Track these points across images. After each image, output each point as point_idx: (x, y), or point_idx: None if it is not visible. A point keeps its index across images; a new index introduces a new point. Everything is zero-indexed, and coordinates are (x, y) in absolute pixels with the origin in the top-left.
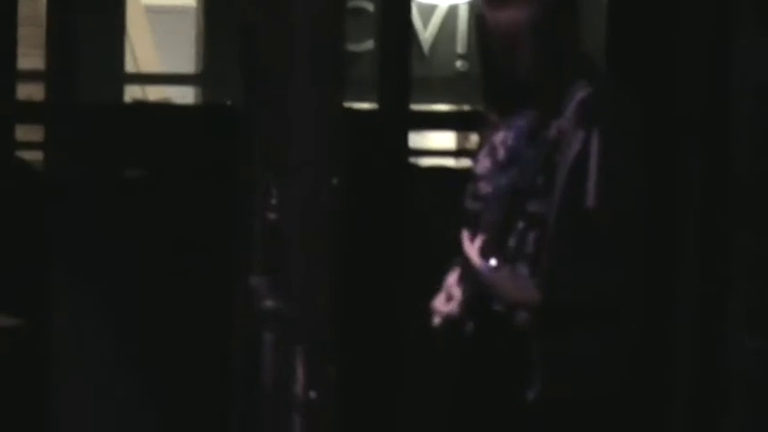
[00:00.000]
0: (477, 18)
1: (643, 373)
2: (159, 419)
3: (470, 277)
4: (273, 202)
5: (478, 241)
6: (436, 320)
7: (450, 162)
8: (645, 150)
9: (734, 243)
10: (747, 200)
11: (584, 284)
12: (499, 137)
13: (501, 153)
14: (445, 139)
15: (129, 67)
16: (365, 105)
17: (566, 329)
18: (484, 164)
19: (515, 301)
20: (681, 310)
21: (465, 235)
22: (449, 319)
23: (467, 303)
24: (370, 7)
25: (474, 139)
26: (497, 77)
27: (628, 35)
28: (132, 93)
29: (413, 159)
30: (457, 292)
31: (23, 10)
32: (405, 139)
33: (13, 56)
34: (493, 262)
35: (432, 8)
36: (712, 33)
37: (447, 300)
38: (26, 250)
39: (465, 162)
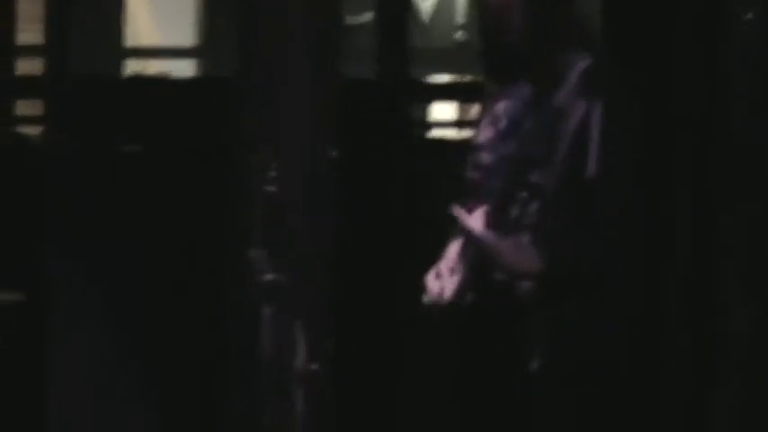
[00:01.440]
0: None
1: (640, 345)
2: (157, 394)
3: (473, 247)
4: (272, 175)
5: (481, 210)
6: (427, 298)
7: (451, 133)
8: (641, 120)
9: (729, 213)
10: (742, 169)
11: (586, 253)
12: (500, 106)
13: (502, 123)
14: (447, 109)
15: (128, 40)
16: (365, 77)
17: (568, 299)
18: (485, 133)
19: (518, 271)
20: (674, 281)
21: (463, 206)
22: (443, 299)
23: (468, 276)
24: None
25: (475, 109)
26: (498, 48)
27: (623, 20)
28: (131, 66)
29: (414, 130)
30: (451, 268)
31: None
32: (405, 110)
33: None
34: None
35: None
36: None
37: (439, 276)
38: (25, 224)
39: (466, 133)
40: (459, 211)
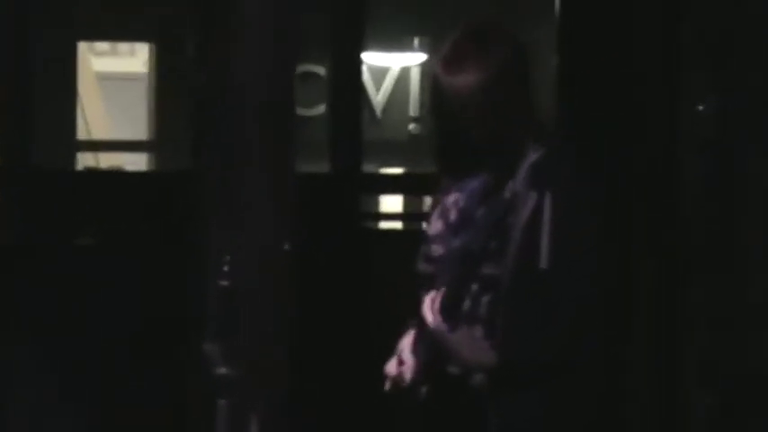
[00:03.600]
0: (431, 81)
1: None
2: None
3: (426, 339)
4: (226, 268)
5: (434, 303)
6: (387, 385)
7: (399, 225)
8: (598, 211)
9: (687, 299)
10: (699, 256)
11: (539, 345)
12: (451, 198)
13: (453, 215)
14: (395, 201)
15: (82, 133)
16: (318, 169)
17: (522, 389)
18: (436, 226)
19: (471, 363)
20: (636, 366)
21: (422, 297)
22: (400, 384)
23: (423, 365)
24: (322, 71)
25: (426, 201)
26: (450, 139)
27: (578, 97)
28: (84, 160)
29: (365, 222)
30: (409, 357)
31: None
32: (357, 202)
33: None
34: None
35: (384, 71)
36: (662, 94)
37: (399, 364)
38: None
39: (416, 225)
40: (423, 301)
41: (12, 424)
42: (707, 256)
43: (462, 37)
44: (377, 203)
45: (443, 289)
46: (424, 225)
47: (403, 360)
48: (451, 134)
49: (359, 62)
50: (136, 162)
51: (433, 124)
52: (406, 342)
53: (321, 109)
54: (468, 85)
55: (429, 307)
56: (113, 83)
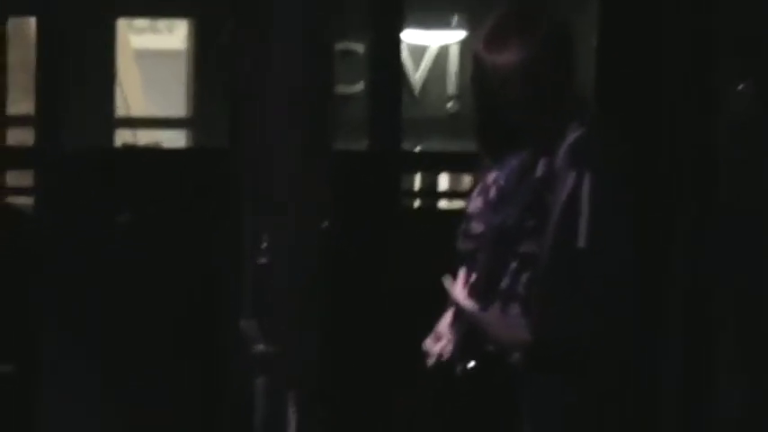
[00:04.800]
0: (473, 59)
1: (631, 414)
2: None
3: (461, 318)
4: (263, 246)
5: (469, 280)
6: (429, 361)
7: (443, 203)
8: (635, 191)
9: (719, 287)
10: (734, 237)
11: (575, 325)
12: (491, 176)
13: (493, 193)
14: (439, 179)
15: (120, 111)
16: (356, 147)
17: (556, 369)
18: (476, 203)
19: (505, 342)
20: (669, 351)
21: (453, 278)
22: (440, 361)
23: (460, 345)
24: (360, 49)
25: (467, 179)
26: (491, 118)
27: (616, 77)
28: (123, 137)
29: (404, 201)
30: (447, 335)
31: (13, 55)
32: (397, 181)
33: (3, 101)
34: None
35: (422, 49)
36: (695, 75)
37: (437, 341)
38: (18, 295)
39: (458, 203)
40: (447, 282)
41: (51, 388)
42: (744, 238)
43: (505, 15)
44: (416, 181)
45: (482, 267)
46: (465, 203)
47: (441, 338)
48: (492, 112)
49: (398, 40)
50: (174, 139)
51: (474, 102)
52: (445, 320)
53: (360, 87)
54: (509, 63)
55: (461, 286)
56: (152, 60)
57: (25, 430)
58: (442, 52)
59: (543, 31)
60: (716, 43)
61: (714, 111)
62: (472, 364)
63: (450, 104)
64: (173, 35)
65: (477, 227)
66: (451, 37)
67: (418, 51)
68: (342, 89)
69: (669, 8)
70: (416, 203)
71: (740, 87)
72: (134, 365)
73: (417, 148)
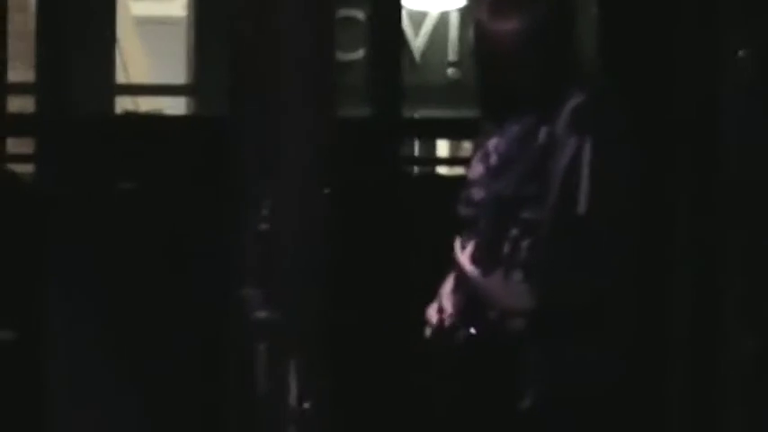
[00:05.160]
0: (474, 26)
1: (639, 376)
2: (152, 428)
3: (464, 285)
4: (265, 213)
5: (471, 247)
6: (428, 330)
7: (443, 169)
8: (637, 155)
9: (726, 244)
10: (737, 201)
11: (577, 288)
12: (492, 143)
13: (493, 159)
14: (439, 146)
15: (120, 78)
16: (357, 113)
17: (559, 333)
18: (477, 169)
19: (508, 307)
20: (676, 311)
21: (457, 242)
22: (441, 329)
23: (462, 311)
24: (361, 16)
25: (467, 146)
26: (492, 84)
27: (619, 41)
28: (123, 104)
29: (405, 166)
30: (448, 303)
31: (13, 24)
32: (397, 148)
33: (3, 69)
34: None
35: (422, 15)
36: (701, 38)
37: (440, 310)
38: (19, 263)
39: (459, 169)
40: (456, 249)
41: (64, 359)
42: (748, 200)
43: None
44: (417, 147)
45: (483, 233)
46: (466, 169)
47: (442, 305)
48: (494, 79)
49: (398, 6)
50: (175, 106)
51: (476, 69)
52: (447, 287)
53: (360, 53)
54: (512, 29)
55: (466, 252)
56: (152, 27)
57: (30, 397)
58: (443, 18)
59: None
60: (719, 13)
61: (717, 80)
62: (473, 330)
63: (450, 71)
64: (173, 2)
65: (477, 193)
66: (452, 3)
67: (418, 17)
68: (342, 55)
69: None
70: (417, 169)
71: (740, 54)
72: (135, 332)
73: (416, 115)
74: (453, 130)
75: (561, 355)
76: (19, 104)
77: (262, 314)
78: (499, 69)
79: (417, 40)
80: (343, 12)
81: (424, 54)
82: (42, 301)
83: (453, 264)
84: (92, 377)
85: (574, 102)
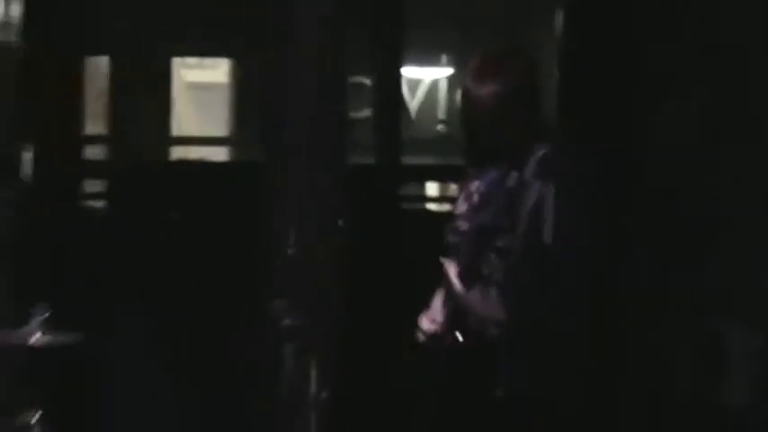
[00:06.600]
0: (462, 91)
1: (594, 380)
2: (194, 419)
3: (451, 298)
4: (291, 239)
5: (456, 269)
6: (420, 336)
7: (433, 206)
8: (594, 196)
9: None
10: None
11: (543, 306)
12: (474, 185)
13: (475, 198)
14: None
15: (175, 131)
16: (364, 161)
17: (528, 342)
18: (462, 207)
19: (482, 317)
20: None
21: (446, 263)
22: (431, 336)
23: (449, 320)
24: (367, 82)
25: (453, 187)
26: (475, 138)
27: (576, 103)
28: (177, 152)
29: (402, 204)
30: (438, 312)
31: (89, 87)
32: (397, 188)
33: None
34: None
35: (417, 82)
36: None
37: (430, 319)
38: (92, 275)
39: (446, 206)
40: (446, 263)
41: (118, 354)
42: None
43: (487, 56)
44: (412, 188)
45: (466, 257)
46: (453, 206)
47: (433, 314)
48: (476, 134)
49: (398, 74)
50: (218, 154)
51: (462, 126)
52: (437, 299)
53: (367, 112)
54: (490, 95)
55: (451, 271)
56: (200, 90)
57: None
58: (434, 85)
59: (517, 69)
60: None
61: (654, 141)
62: (459, 336)
63: (439, 127)
64: (217, 70)
65: (462, 225)
66: (441, 72)
67: (414, 83)
68: (353, 114)
69: (626, 44)
70: (412, 206)
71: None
72: (186, 335)
73: (412, 162)
74: (442, 175)
75: (527, 358)
76: (91, 152)
77: (288, 321)
78: (480, 126)
79: (413, 102)
80: (353, 79)
81: (418, 113)
82: (109, 309)
83: (443, 280)
84: (147, 372)
85: (539, 153)
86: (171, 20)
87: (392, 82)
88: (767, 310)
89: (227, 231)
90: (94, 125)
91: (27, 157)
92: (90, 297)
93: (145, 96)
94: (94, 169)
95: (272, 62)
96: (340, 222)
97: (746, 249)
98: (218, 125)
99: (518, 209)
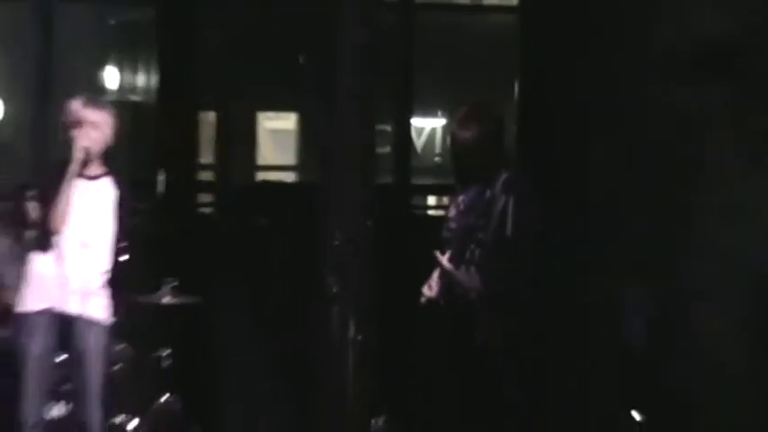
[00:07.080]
0: (450, 135)
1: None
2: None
3: (444, 274)
4: (336, 236)
5: (448, 254)
6: (423, 299)
7: (435, 212)
8: (543, 206)
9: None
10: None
11: (507, 279)
12: (461, 197)
13: (462, 206)
14: (433, 199)
15: (259, 161)
16: (385, 181)
17: (498, 305)
18: (452, 212)
19: (468, 287)
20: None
21: (441, 252)
22: (431, 300)
23: (443, 288)
24: (388, 128)
25: (446, 199)
26: (460, 167)
27: (531, 141)
28: (261, 176)
29: (413, 211)
30: (436, 283)
31: (204, 132)
32: (408, 200)
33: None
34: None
35: (421, 128)
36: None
37: (430, 288)
38: (205, 259)
39: (443, 212)
40: (438, 255)
41: (224, 318)
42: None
43: (468, 110)
44: (420, 200)
45: (456, 246)
46: (446, 211)
47: (432, 285)
48: (461, 164)
49: (408, 124)
50: (289, 177)
51: (451, 159)
52: (435, 274)
53: (387, 149)
54: (470, 138)
55: (446, 256)
56: (277, 134)
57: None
58: (433, 130)
59: (489, 120)
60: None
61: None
62: (444, 302)
63: (437, 159)
64: (288, 121)
65: (453, 225)
66: (438, 122)
67: (419, 129)
68: (378, 150)
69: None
70: (418, 213)
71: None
72: (269, 300)
73: (418, 182)
74: (439, 191)
75: (497, 314)
76: (204, 176)
77: (336, 289)
78: (464, 158)
79: (419, 141)
80: (378, 126)
81: (423, 149)
82: (217, 279)
83: (438, 263)
84: (240, 323)
85: (503, 177)
86: (258, 85)
87: (404, 129)
88: (656, 278)
89: (297, 230)
90: (206, 157)
91: (160, 179)
92: (204, 274)
93: (239, 138)
94: (206, 188)
95: (326, 115)
96: (369, 223)
97: (643, 238)
98: (290, 157)
99: (490, 213)
